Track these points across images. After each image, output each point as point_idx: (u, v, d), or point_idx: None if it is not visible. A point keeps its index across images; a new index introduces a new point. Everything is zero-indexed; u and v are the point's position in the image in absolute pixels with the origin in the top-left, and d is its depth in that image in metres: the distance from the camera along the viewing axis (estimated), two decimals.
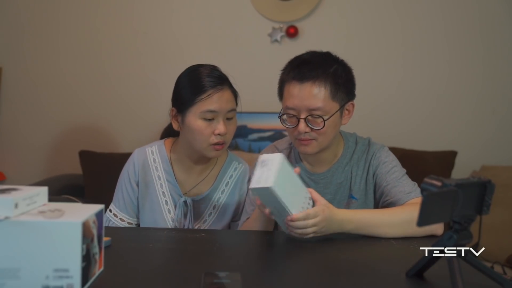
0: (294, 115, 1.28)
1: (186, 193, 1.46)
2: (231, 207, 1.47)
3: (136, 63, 2.79)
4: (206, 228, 1.46)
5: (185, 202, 1.43)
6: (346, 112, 1.34)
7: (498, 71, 2.64)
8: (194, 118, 1.33)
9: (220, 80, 1.36)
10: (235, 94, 1.40)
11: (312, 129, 1.26)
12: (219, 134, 1.33)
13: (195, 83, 1.34)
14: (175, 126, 1.41)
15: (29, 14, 2.83)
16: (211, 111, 1.32)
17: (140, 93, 2.79)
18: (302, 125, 1.26)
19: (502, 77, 2.64)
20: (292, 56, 1.37)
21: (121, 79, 2.80)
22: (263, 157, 1.09)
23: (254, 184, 1.04)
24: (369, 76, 2.60)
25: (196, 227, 1.45)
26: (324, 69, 1.26)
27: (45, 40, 2.83)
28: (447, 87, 2.66)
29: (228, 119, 1.36)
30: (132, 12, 2.78)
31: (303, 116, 1.26)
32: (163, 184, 1.45)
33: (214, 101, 1.32)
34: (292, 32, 2.66)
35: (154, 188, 1.45)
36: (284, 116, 1.31)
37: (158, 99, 2.74)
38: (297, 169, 1.13)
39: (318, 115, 1.25)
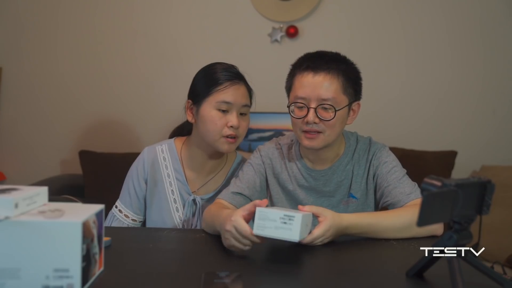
0: (304, 105, 1.27)
1: (195, 192, 1.47)
2: None
3: (136, 64, 2.79)
4: None
5: (194, 200, 1.44)
6: (352, 112, 1.34)
7: (498, 72, 2.64)
8: (209, 108, 1.36)
9: (237, 75, 1.41)
10: (250, 92, 1.43)
11: (321, 120, 1.26)
12: (232, 126, 1.35)
13: (212, 76, 1.39)
14: (189, 118, 1.43)
15: (29, 15, 2.83)
16: (226, 102, 1.35)
17: (139, 93, 2.79)
18: (311, 115, 1.25)
19: (502, 77, 2.64)
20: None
21: (121, 80, 2.80)
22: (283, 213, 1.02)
23: (275, 233, 0.99)
24: (369, 77, 2.57)
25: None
26: (338, 64, 1.28)
27: (45, 40, 2.83)
28: (447, 88, 2.66)
29: (241, 114, 1.39)
30: (132, 13, 2.78)
31: (313, 105, 1.26)
32: (172, 182, 1.46)
33: (229, 93, 1.36)
34: (292, 32, 2.66)
35: (163, 186, 1.46)
36: (292, 107, 1.30)
37: (158, 100, 2.74)
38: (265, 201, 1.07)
39: (329, 105, 1.25)
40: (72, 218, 0.74)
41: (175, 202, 1.45)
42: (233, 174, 1.50)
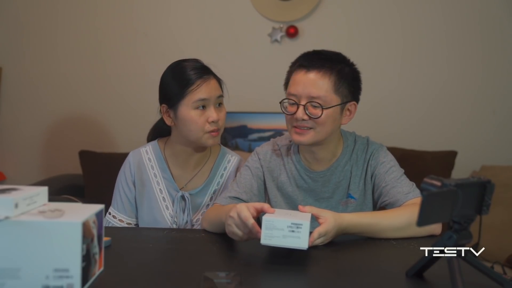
0: (294, 102, 1.29)
1: (182, 188, 1.49)
2: None
3: (136, 63, 2.79)
4: None
5: (182, 196, 1.47)
6: (348, 112, 1.34)
7: (498, 71, 2.64)
8: (187, 110, 1.39)
9: (205, 70, 1.43)
10: (220, 82, 1.46)
11: (309, 117, 1.27)
12: (213, 121, 1.39)
13: (182, 77, 1.41)
14: (168, 122, 1.46)
15: (29, 14, 2.83)
16: (202, 100, 1.38)
17: (140, 93, 2.79)
18: (300, 112, 1.27)
19: (502, 77, 2.64)
20: (292, 56, 1.38)
21: (121, 79, 2.80)
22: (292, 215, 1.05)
23: (282, 241, 0.99)
24: (369, 76, 2.57)
25: (194, 220, 1.47)
26: (332, 63, 1.29)
27: (45, 40, 2.83)
28: (447, 88, 2.66)
29: (218, 105, 1.43)
30: (132, 13, 2.78)
31: (303, 102, 1.27)
32: (160, 181, 1.49)
33: (203, 90, 1.39)
34: (292, 32, 2.66)
35: (151, 186, 1.48)
36: (286, 103, 1.32)
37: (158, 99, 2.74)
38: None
39: (317, 103, 1.26)
40: (72, 218, 0.75)
41: (164, 201, 1.48)
42: (219, 166, 1.52)
